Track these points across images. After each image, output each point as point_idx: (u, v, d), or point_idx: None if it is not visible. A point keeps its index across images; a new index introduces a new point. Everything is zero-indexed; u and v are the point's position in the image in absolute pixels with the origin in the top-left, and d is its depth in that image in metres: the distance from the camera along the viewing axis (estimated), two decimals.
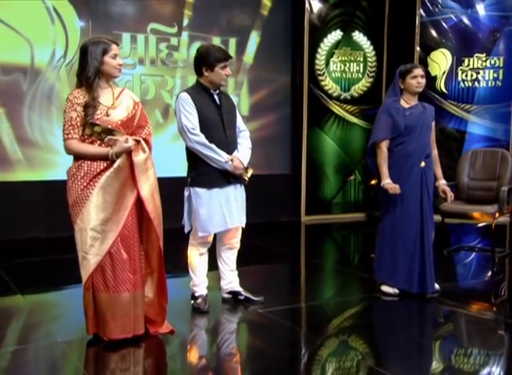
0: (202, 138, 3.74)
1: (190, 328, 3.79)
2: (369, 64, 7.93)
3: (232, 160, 3.81)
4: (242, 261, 5.30)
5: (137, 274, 3.33)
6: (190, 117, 3.76)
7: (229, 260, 4.08)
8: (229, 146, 3.87)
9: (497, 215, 5.32)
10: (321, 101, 7.70)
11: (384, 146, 4.25)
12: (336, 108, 7.80)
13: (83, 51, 3.29)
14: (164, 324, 3.50)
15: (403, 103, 4.30)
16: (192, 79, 7.01)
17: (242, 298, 4.09)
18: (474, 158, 5.86)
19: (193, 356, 3.42)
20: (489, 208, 5.36)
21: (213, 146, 3.76)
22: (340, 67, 7.78)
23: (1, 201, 6.13)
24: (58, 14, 6.49)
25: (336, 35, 7.71)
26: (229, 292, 4.11)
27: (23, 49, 6.31)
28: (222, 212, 3.83)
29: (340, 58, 7.75)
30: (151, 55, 6.92)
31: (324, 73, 7.69)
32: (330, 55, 7.71)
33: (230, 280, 4.09)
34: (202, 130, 3.78)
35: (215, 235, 4.00)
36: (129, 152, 3.25)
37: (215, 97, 3.90)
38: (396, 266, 4.25)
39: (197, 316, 3.87)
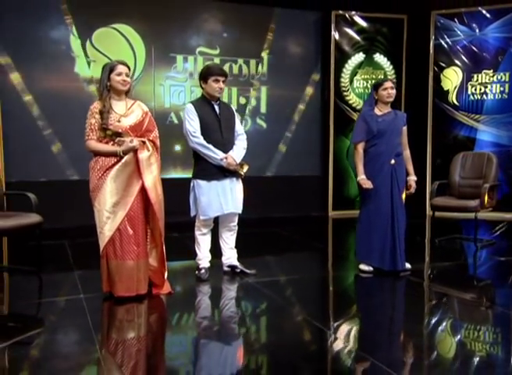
0: (201, 140, 4.00)
1: (192, 292, 4.00)
2: None
3: (226, 158, 4.03)
4: (265, 246, 5.61)
5: (140, 247, 3.61)
6: (193, 123, 4.02)
7: (228, 240, 4.30)
8: (226, 146, 4.08)
9: (479, 208, 5.25)
10: (346, 113, 7.75)
11: (360, 147, 4.34)
12: None
13: (101, 72, 3.64)
14: (164, 286, 3.79)
15: (376, 111, 4.38)
16: (226, 91, 7.39)
17: (238, 270, 4.29)
18: (464, 159, 5.78)
19: (190, 311, 3.63)
20: (472, 202, 5.30)
21: (210, 146, 3.99)
22: (363, 84, 7.79)
23: (78, 195, 6.61)
24: (130, 43, 6.98)
25: (359, 57, 7.73)
26: (228, 266, 4.33)
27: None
28: (220, 200, 4.04)
29: (363, 76, 7.78)
30: (198, 70, 7.18)
31: (348, 89, 7.75)
32: (354, 74, 7.74)
33: (229, 256, 4.31)
34: (203, 133, 4.02)
35: (216, 220, 4.25)
36: (136, 150, 3.56)
37: (215, 106, 4.13)
38: (371, 248, 4.33)
39: (201, 284, 4.10)
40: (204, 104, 4.13)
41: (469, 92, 7.57)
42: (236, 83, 7.34)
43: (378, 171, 4.28)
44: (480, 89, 7.51)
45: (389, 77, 7.88)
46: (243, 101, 7.42)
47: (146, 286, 3.68)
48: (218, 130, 4.07)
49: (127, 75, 3.64)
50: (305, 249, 5.64)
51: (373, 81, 7.80)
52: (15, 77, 6.44)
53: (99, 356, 2.70)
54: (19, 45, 6.43)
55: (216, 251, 4.34)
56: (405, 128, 4.46)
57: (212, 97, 4.12)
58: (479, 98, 7.53)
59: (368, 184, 4.21)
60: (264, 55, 7.54)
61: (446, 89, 7.68)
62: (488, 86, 7.47)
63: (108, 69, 3.59)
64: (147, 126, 3.71)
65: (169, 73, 7.10)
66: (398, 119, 4.38)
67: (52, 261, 4.85)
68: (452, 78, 7.65)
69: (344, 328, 3.23)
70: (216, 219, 4.23)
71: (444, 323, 3.31)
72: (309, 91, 7.85)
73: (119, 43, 6.91)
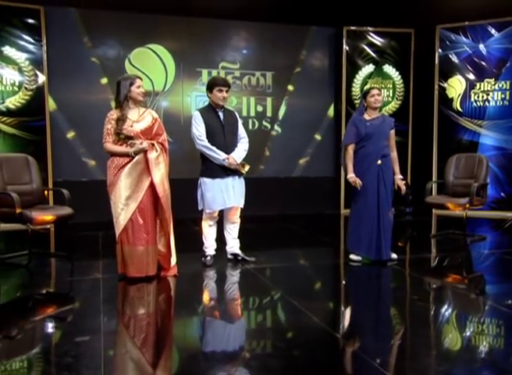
0: (205, 142, 4.20)
1: (198, 275, 4.20)
2: (398, 90, 7.92)
3: (228, 158, 4.22)
4: (272, 238, 5.78)
5: (149, 234, 3.85)
6: (199, 128, 4.23)
7: (231, 231, 4.48)
8: (228, 148, 4.25)
9: (467, 205, 5.27)
10: None
11: (350, 149, 4.45)
12: None
13: (118, 85, 3.89)
14: (171, 270, 4.01)
15: (366, 116, 4.47)
16: (244, 100, 7.57)
17: (240, 258, 4.47)
18: (458, 161, 5.79)
19: (194, 291, 3.84)
20: (461, 200, 5.31)
21: (214, 148, 4.19)
22: None
23: None
24: (162, 60, 7.31)
25: (368, 68, 7.80)
26: (231, 254, 4.51)
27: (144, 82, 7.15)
28: (223, 195, 4.23)
29: (373, 85, 7.81)
30: None
31: (359, 98, 7.82)
32: (364, 83, 7.80)
33: (232, 245, 4.49)
34: (208, 136, 4.22)
35: (222, 213, 4.44)
36: (145, 151, 3.80)
37: (220, 113, 4.31)
38: (360, 239, 4.43)
39: (206, 269, 4.31)
40: (210, 111, 4.32)
41: (472, 99, 7.53)
42: (253, 93, 7.57)
43: (366, 170, 4.38)
44: (482, 96, 7.47)
45: (398, 87, 7.93)
46: (260, 109, 7.62)
47: (155, 268, 3.92)
48: (221, 134, 4.26)
49: (143, 87, 3.91)
50: (308, 242, 5.77)
51: (382, 90, 7.88)
52: (61, 93, 6.85)
53: (100, 324, 2.95)
54: (67, 64, 6.86)
55: (222, 241, 4.55)
56: (392, 132, 4.52)
57: (217, 105, 4.30)
58: (482, 104, 7.48)
59: (356, 182, 4.33)
60: (281, 67, 7.71)
61: (450, 97, 7.66)
62: (490, 93, 7.41)
63: (129, 82, 3.84)
64: (156, 131, 3.94)
65: (196, 86, 7.37)
66: (385, 124, 4.46)
67: (85, 248, 5.18)
68: (456, 86, 7.62)
69: (315, 305, 3.39)
70: (222, 214, 4.43)
71: (409, 304, 3.42)
72: (323, 99, 7.96)
73: (153, 60, 7.26)
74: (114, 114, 3.86)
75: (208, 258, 4.40)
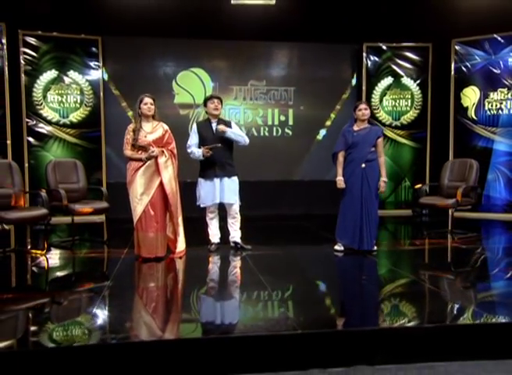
0: (190, 149, 4.97)
1: (201, 259, 4.88)
2: (416, 99, 8.24)
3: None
4: (279, 233, 6.40)
5: (159, 223, 4.62)
6: (191, 139, 5.02)
7: (233, 224, 5.15)
8: (216, 152, 4.86)
9: (455, 205, 5.61)
10: None
11: (340, 156, 4.99)
12: (390, 133, 8.23)
13: (136, 103, 4.73)
14: (177, 252, 4.78)
15: (354, 127, 4.98)
16: (270, 111, 8.23)
17: (239, 246, 5.14)
18: (452, 165, 6.12)
19: (196, 269, 4.53)
20: (449, 200, 5.65)
21: (193, 150, 4.93)
22: (391, 103, 8.23)
23: None
24: (201, 79, 8.16)
25: (387, 81, 8.20)
26: (233, 242, 5.18)
27: (187, 98, 8.14)
28: (212, 192, 4.94)
29: (392, 96, 8.21)
30: (250, 97, 8.25)
31: (378, 108, 8.21)
32: (383, 94, 8.21)
33: (233, 236, 5.16)
34: (201, 141, 4.94)
35: (224, 210, 5.15)
36: (156, 157, 4.59)
37: (213, 124, 4.99)
38: (346, 230, 4.97)
39: (209, 254, 5.01)
40: (206, 122, 5.07)
41: (486, 108, 7.75)
42: (277, 105, 8.26)
43: (351, 173, 4.91)
44: (496, 105, 7.66)
45: (416, 97, 8.26)
46: (282, 118, 8.29)
47: (163, 251, 4.69)
48: (212, 140, 4.93)
49: (151, 104, 4.67)
50: (309, 236, 6.29)
51: (401, 100, 8.26)
52: (115, 109, 7.86)
53: (105, 287, 3.75)
54: (129, 83, 7.90)
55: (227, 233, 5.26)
56: (380, 140, 4.95)
57: (212, 115, 5.00)
58: (495, 113, 7.68)
59: (341, 185, 4.91)
60: (302, 83, 8.31)
61: (465, 106, 7.91)
62: (504, 102, 7.60)
63: (139, 100, 4.66)
64: (166, 140, 4.71)
65: (229, 100, 8.16)
66: (371, 133, 4.93)
67: (120, 237, 5.98)
68: (471, 96, 7.86)
69: (277, 281, 3.97)
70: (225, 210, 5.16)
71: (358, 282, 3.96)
72: (345, 109, 8.43)
73: (194, 80, 8.16)
74: (132, 126, 4.68)
75: (213, 246, 5.12)
